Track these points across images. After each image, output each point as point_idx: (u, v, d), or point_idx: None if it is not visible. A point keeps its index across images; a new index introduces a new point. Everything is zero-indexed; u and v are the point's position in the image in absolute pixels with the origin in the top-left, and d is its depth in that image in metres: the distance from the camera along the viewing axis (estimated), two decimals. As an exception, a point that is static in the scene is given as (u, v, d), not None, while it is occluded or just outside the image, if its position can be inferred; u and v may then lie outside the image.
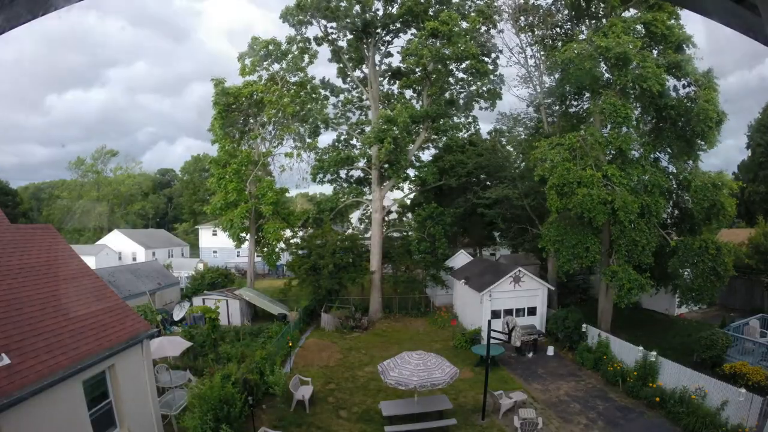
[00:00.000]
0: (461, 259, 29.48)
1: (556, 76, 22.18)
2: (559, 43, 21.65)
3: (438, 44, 25.04)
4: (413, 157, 29.41)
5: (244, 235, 29.30)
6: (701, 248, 17.06)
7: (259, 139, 29.41)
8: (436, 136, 29.98)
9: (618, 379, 15.57)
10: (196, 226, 56.52)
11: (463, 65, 26.45)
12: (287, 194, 31.54)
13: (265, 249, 29.68)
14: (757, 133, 39.01)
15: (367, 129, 27.85)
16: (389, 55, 28.56)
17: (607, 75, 18.86)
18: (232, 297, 24.08)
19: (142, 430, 10.29)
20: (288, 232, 29.55)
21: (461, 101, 28.41)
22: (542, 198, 21.32)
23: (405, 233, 30.79)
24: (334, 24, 26.98)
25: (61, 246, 11.40)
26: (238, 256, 42.62)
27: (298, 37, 27.73)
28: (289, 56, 28.04)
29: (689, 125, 17.60)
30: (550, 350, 19.52)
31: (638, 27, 18.16)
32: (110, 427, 9.34)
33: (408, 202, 31.67)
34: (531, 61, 25.12)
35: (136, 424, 9.92)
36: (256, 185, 28.39)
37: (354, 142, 29.64)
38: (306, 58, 28.11)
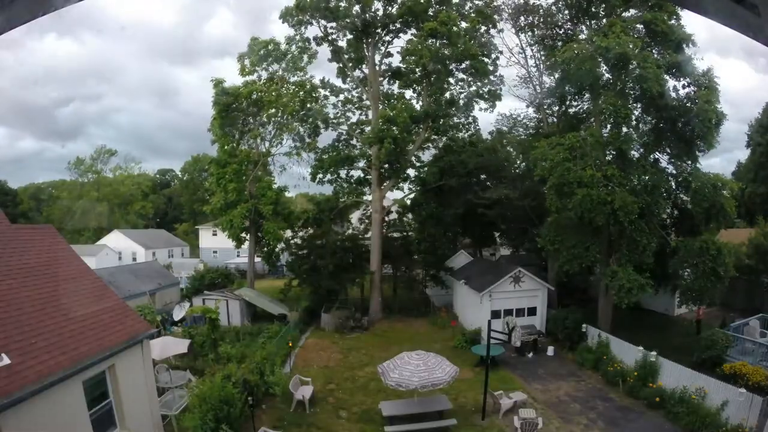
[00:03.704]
0: (461, 259, 29.46)
1: (556, 76, 22.21)
2: (560, 43, 21.64)
3: (437, 44, 25.04)
4: (413, 158, 29.41)
5: (244, 235, 29.32)
6: (702, 249, 17.02)
7: (258, 139, 29.42)
8: (436, 136, 29.96)
9: (618, 379, 15.54)
10: (196, 227, 56.49)
11: (463, 65, 26.46)
12: (287, 194, 31.61)
13: (265, 249, 29.69)
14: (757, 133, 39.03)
15: (367, 129, 27.85)
16: (389, 55, 28.48)
17: (607, 75, 18.85)
18: (232, 297, 24.05)
19: (142, 430, 10.29)
20: (288, 232, 29.56)
21: (461, 101, 28.41)
22: (542, 198, 21.31)
23: (405, 233, 30.77)
24: (333, 24, 26.98)
25: (61, 246, 11.40)
26: (238, 256, 42.57)
27: (297, 37, 27.77)
28: (288, 56, 28.04)
29: (689, 126, 17.59)
30: (550, 350, 19.50)
31: (638, 26, 18.14)
32: (110, 427, 9.34)
33: (408, 202, 31.69)
34: (531, 62, 25.15)
35: (136, 424, 9.91)
36: (255, 185, 28.40)
37: (354, 142, 29.63)
38: (305, 57, 28.12)
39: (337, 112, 29.41)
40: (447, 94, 28.37)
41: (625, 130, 18.59)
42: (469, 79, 27.30)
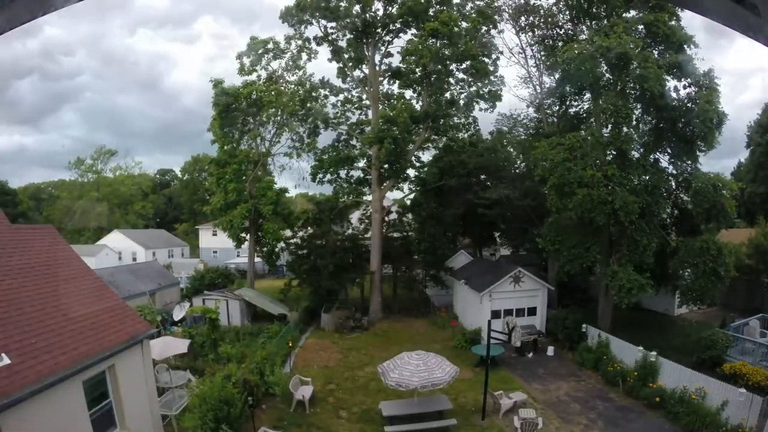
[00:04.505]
0: (461, 259, 29.47)
1: (556, 76, 22.22)
2: (560, 43, 21.64)
3: (438, 44, 25.02)
4: (413, 158, 29.39)
5: (243, 235, 29.32)
6: (702, 249, 17.03)
7: (258, 139, 29.42)
8: (436, 137, 29.96)
9: (618, 379, 15.54)
10: (196, 227, 56.50)
11: (463, 66, 26.46)
12: (287, 194, 31.60)
13: (265, 249, 29.69)
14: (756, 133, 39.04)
15: (367, 129, 27.85)
16: (389, 55, 28.47)
17: (607, 75, 18.85)
18: (232, 297, 24.06)
19: (142, 430, 10.29)
20: (288, 232, 29.57)
21: (462, 102, 28.43)
22: (542, 198, 21.33)
23: (405, 233, 30.78)
24: (333, 24, 26.98)
25: (61, 246, 11.40)
26: (238, 256, 42.60)
27: (297, 37, 27.76)
28: (288, 54, 28.07)
29: (689, 126, 17.59)
30: (550, 350, 19.50)
31: (640, 27, 18.14)
32: (110, 427, 9.34)
33: (408, 202, 31.70)
34: (531, 62, 25.13)
35: (136, 424, 9.91)
36: (255, 185, 28.40)
37: (354, 142, 29.65)
38: (304, 56, 28.15)
39: (337, 112, 29.43)
40: (447, 95, 28.37)
41: (625, 130, 18.58)
42: (470, 79, 27.29)
